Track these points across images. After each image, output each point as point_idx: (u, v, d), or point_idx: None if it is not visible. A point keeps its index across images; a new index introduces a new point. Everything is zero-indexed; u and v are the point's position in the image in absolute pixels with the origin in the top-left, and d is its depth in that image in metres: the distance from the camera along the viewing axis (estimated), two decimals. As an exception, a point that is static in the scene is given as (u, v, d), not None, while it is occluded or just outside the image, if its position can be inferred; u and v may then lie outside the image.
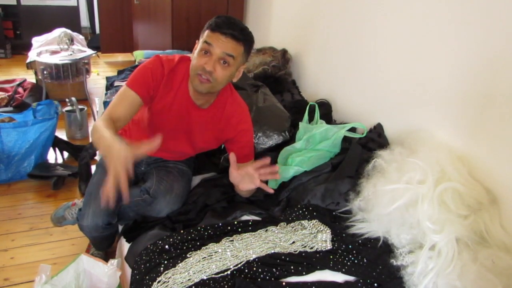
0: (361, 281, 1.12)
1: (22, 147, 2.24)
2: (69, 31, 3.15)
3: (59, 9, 4.68)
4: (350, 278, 1.14)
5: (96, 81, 4.01)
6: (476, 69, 1.31)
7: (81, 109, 2.87)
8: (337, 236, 1.26)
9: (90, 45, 4.21)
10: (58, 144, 2.57)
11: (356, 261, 1.17)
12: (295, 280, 1.10)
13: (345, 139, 1.66)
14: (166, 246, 1.16)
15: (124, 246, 1.30)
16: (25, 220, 2.01)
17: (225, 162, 1.66)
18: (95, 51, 3.34)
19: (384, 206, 1.22)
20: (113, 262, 1.21)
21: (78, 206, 1.78)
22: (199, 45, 1.27)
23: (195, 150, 1.57)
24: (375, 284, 1.12)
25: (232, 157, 1.34)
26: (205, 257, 1.12)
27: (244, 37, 1.26)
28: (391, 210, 1.21)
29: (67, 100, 2.82)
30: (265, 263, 1.14)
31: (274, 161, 1.63)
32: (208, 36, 1.23)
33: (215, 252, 1.15)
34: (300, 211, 1.36)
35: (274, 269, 1.11)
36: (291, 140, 1.76)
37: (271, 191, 1.35)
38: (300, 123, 1.72)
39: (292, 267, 1.13)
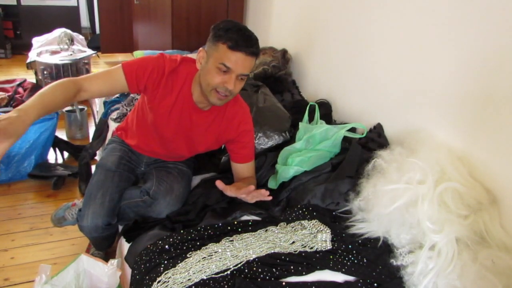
0: (361, 281, 1.12)
1: (22, 147, 2.24)
2: (69, 31, 3.15)
3: (59, 9, 4.69)
4: (350, 278, 1.13)
5: (96, 81, 4.00)
6: (476, 69, 1.31)
7: (81, 109, 2.87)
8: (337, 236, 1.26)
9: (90, 45, 4.21)
10: (58, 144, 2.57)
11: (356, 261, 1.17)
12: (295, 280, 1.10)
13: (345, 139, 1.65)
14: (166, 246, 1.16)
15: (124, 246, 1.30)
16: (25, 220, 2.01)
17: (226, 163, 1.66)
18: (95, 51, 3.34)
19: (384, 206, 1.22)
20: (113, 262, 1.21)
21: (78, 207, 1.78)
22: (212, 59, 1.22)
23: (192, 153, 1.57)
24: (375, 284, 1.12)
25: (219, 184, 1.33)
26: (205, 257, 1.12)
27: (258, 49, 1.25)
28: (391, 210, 1.20)
29: (67, 100, 2.81)
30: (265, 263, 1.13)
31: (274, 161, 1.63)
32: (227, 55, 1.19)
33: (215, 252, 1.15)
34: (300, 211, 1.35)
35: (274, 269, 1.11)
36: (291, 140, 1.76)
37: (269, 198, 1.35)
38: (300, 123, 1.72)
39: (292, 267, 1.13)
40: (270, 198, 1.35)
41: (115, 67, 1.32)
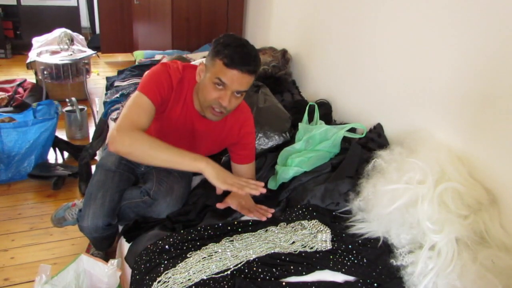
0: (361, 281, 1.12)
1: (22, 147, 2.24)
2: (69, 31, 3.14)
3: (59, 9, 4.68)
4: (350, 278, 1.14)
5: (96, 81, 4.01)
6: (476, 69, 1.31)
7: (81, 109, 2.87)
8: (337, 236, 1.26)
9: (90, 45, 4.21)
10: (58, 144, 2.57)
11: (356, 261, 1.17)
12: (295, 280, 1.10)
13: (345, 139, 1.65)
14: (166, 246, 1.16)
15: (124, 246, 1.30)
16: (25, 220, 2.01)
17: (226, 163, 1.66)
18: (95, 51, 3.34)
19: (384, 206, 1.22)
20: (113, 262, 1.21)
21: (78, 207, 1.78)
22: (209, 74, 1.22)
23: None
24: (375, 284, 1.12)
25: (221, 206, 1.39)
26: (205, 257, 1.12)
27: (257, 66, 1.23)
28: (391, 210, 1.21)
29: (67, 100, 2.82)
30: (265, 263, 1.14)
31: (274, 162, 1.63)
32: (222, 72, 1.18)
33: (215, 252, 1.15)
34: (300, 211, 1.36)
35: (274, 269, 1.11)
36: (291, 140, 1.76)
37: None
38: (299, 123, 1.72)
39: (292, 267, 1.13)
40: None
41: (133, 96, 1.27)
